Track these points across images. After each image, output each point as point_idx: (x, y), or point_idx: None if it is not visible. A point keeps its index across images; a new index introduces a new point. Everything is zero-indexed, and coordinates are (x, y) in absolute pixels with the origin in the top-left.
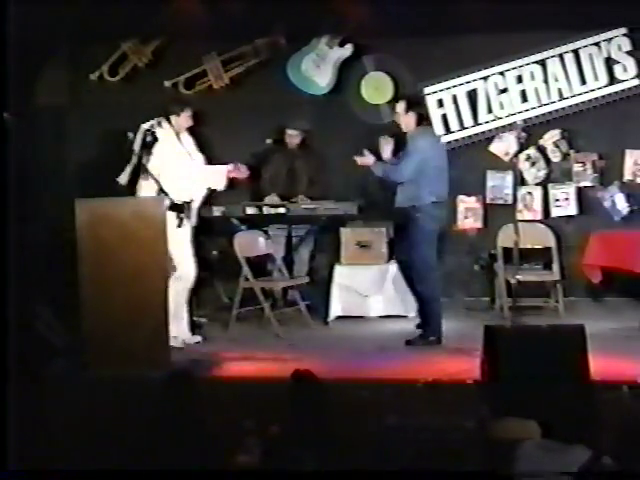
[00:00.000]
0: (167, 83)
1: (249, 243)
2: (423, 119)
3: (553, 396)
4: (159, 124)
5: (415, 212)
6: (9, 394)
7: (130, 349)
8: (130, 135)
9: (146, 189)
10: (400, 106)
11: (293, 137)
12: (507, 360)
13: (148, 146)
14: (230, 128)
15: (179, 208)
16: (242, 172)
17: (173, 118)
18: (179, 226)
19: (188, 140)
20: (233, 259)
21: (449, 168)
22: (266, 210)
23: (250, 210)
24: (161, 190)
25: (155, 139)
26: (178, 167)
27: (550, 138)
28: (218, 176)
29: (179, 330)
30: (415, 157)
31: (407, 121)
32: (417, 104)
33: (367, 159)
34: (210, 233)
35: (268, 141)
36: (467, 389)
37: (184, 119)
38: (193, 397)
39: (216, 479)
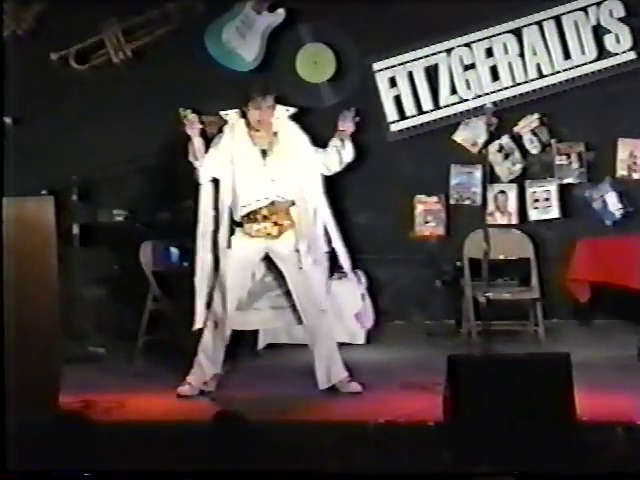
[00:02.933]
0: (54, 56)
1: (158, 254)
2: None
3: (532, 440)
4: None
5: None
6: None
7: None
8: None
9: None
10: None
11: (209, 123)
12: (475, 396)
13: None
14: (133, 112)
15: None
16: (351, 120)
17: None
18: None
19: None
20: (138, 274)
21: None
22: (178, 214)
23: (159, 214)
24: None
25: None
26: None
27: (527, 125)
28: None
29: None
30: None
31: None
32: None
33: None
34: (110, 242)
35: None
36: (427, 431)
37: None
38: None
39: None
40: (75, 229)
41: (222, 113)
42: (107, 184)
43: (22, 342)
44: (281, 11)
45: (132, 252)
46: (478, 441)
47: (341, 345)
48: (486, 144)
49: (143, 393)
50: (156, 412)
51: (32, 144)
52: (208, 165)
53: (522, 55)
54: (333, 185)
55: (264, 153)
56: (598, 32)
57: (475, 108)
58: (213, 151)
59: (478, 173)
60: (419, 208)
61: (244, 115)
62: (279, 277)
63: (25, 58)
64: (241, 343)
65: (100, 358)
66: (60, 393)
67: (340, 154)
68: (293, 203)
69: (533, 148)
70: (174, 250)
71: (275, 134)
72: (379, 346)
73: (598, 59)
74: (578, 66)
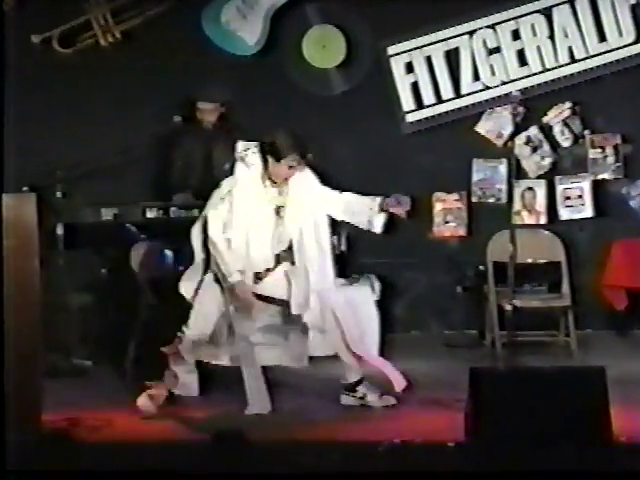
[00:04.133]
0: (35, 39)
1: (151, 258)
2: None
3: (562, 463)
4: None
5: None
6: None
7: None
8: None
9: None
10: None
11: (207, 112)
12: (500, 414)
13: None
14: (123, 101)
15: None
16: (404, 206)
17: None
18: None
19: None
20: (129, 279)
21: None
22: (174, 213)
23: (152, 213)
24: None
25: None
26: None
27: (557, 114)
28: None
29: None
30: None
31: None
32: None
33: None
34: (98, 244)
35: (176, 118)
36: (446, 452)
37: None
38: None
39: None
40: (59, 229)
41: (240, 147)
42: (94, 180)
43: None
44: None
45: (122, 255)
46: (502, 463)
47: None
48: (512, 136)
49: (134, 411)
50: (148, 432)
51: (12, 136)
52: (218, 221)
53: (552, 37)
54: (343, 181)
55: (277, 212)
56: (637, 11)
57: (500, 96)
58: (222, 205)
59: (503, 168)
60: (438, 207)
61: (263, 155)
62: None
63: (3, 41)
64: None
65: (86, 372)
66: (42, 410)
67: (370, 224)
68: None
69: (564, 140)
70: (169, 253)
71: (286, 182)
72: (394, 358)
73: (637, 41)
74: (614, 49)
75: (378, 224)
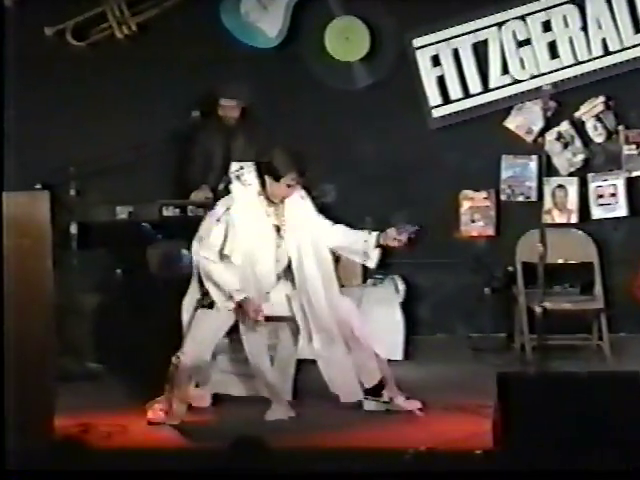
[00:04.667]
0: (48, 31)
1: (168, 258)
2: None
3: (596, 473)
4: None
5: None
6: None
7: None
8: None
9: None
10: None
11: (229, 109)
12: (530, 421)
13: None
14: (139, 95)
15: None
16: (406, 234)
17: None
18: None
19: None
20: (145, 280)
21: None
22: (192, 211)
23: (169, 211)
24: None
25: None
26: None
27: (590, 109)
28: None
29: None
30: None
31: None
32: None
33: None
34: (112, 243)
35: (194, 113)
36: (474, 460)
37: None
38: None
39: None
40: (73, 228)
41: (234, 167)
42: (109, 177)
43: (11, 358)
44: None
45: (137, 255)
46: (532, 472)
47: None
48: (543, 132)
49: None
50: (164, 438)
51: (24, 131)
52: (214, 243)
53: (585, 29)
54: (366, 178)
55: (277, 230)
56: None
57: (530, 90)
58: (217, 227)
59: (533, 165)
60: (465, 205)
61: (259, 174)
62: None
63: (15, 34)
64: None
65: (100, 376)
66: (55, 416)
67: (365, 256)
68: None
69: (597, 136)
70: (185, 253)
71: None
72: (419, 362)
73: None
74: None
75: (373, 258)
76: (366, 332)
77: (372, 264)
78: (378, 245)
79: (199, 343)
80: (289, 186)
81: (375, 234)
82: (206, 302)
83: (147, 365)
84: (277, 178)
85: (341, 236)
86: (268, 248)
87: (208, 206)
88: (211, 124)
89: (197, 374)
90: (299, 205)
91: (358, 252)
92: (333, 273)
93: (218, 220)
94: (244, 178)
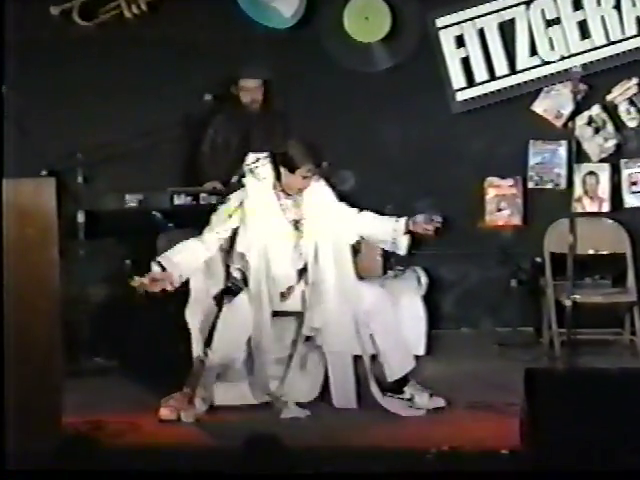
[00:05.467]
0: (54, 10)
1: None
2: None
3: (629, 474)
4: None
5: None
6: None
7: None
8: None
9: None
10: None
11: (251, 91)
12: (559, 419)
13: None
14: (149, 78)
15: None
16: (434, 224)
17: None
18: None
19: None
20: None
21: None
22: (205, 199)
23: (181, 199)
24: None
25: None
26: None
27: (623, 92)
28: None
29: None
30: None
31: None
32: None
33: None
34: (121, 233)
35: (207, 97)
36: (500, 461)
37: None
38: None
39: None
40: (80, 217)
41: (250, 159)
42: (118, 164)
43: (17, 352)
44: None
45: (148, 245)
46: (561, 473)
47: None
48: (572, 116)
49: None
50: (177, 435)
51: (29, 116)
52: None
53: (618, 7)
54: (386, 165)
55: (295, 226)
56: None
57: (559, 72)
58: (230, 222)
59: (562, 151)
60: (491, 193)
61: (275, 166)
62: None
63: (19, 13)
64: None
65: (110, 371)
66: (63, 413)
67: (394, 245)
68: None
69: (630, 120)
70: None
71: (301, 194)
72: (441, 358)
73: None
74: None
75: (403, 246)
76: (395, 321)
77: (402, 251)
78: (407, 232)
79: (228, 341)
80: (305, 177)
81: (403, 221)
82: (234, 287)
83: (159, 360)
84: (292, 170)
85: (368, 224)
86: (285, 245)
87: (222, 194)
88: (227, 110)
89: (225, 372)
90: (319, 196)
91: (386, 241)
92: (352, 266)
93: (230, 216)
94: (258, 171)
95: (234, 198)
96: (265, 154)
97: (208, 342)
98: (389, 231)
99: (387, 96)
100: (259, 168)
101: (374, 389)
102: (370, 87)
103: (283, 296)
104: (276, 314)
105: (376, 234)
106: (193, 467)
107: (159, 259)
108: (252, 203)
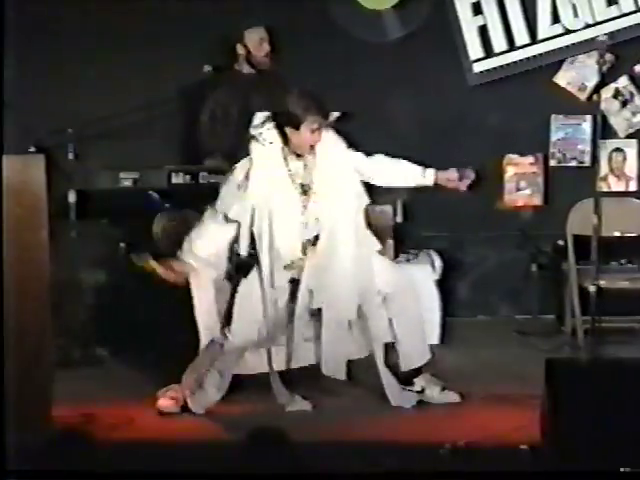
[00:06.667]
0: None
1: (176, 230)
2: None
3: None
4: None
5: None
6: None
7: None
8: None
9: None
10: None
11: (254, 45)
12: (582, 412)
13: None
14: (146, 47)
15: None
16: (466, 180)
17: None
18: None
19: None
20: (152, 254)
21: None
22: (204, 178)
23: (179, 178)
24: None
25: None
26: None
27: None
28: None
29: None
30: None
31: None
32: None
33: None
34: (115, 214)
35: (206, 68)
36: (519, 456)
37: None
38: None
39: None
40: (71, 197)
41: (257, 121)
42: (112, 140)
43: (4, 340)
44: None
45: (143, 227)
46: (584, 469)
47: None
48: (598, 88)
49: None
50: (173, 429)
51: (16, 88)
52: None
53: None
54: (400, 140)
55: (304, 191)
56: None
57: (584, 42)
58: (236, 192)
59: (587, 126)
60: (510, 171)
61: (282, 133)
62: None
63: None
64: None
65: (103, 361)
66: (53, 405)
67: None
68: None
69: None
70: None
71: (313, 151)
72: (457, 347)
73: None
74: None
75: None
76: (416, 307)
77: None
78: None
79: (247, 322)
80: (313, 131)
81: (432, 172)
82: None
83: (156, 348)
84: (297, 126)
85: (392, 174)
86: (292, 213)
87: (222, 172)
88: (226, 80)
89: (244, 353)
90: (330, 148)
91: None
92: (366, 233)
93: (239, 186)
94: (264, 136)
95: (240, 167)
96: (267, 115)
97: (226, 324)
98: (415, 179)
99: (399, 68)
100: (263, 134)
101: (385, 376)
102: (381, 58)
103: (287, 268)
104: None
105: (397, 181)
106: (194, 464)
107: (189, 258)
108: (258, 170)
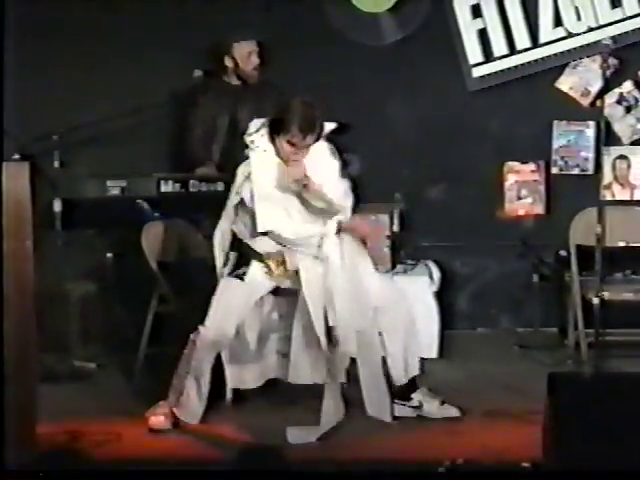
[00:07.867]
0: None
1: (166, 240)
2: None
3: None
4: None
5: None
6: None
7: None
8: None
9: None
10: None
11: (244, 57)
12: (585, 428)
13: None
14: (136, 49)
15: None
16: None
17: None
18: None
19: None
20: (140, 265)
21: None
22: (194, 186)
23: (168, 186)
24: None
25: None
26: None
27: None
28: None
29: None
30: None
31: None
32: None
33: None
34: (102, 223)
35: (197, 73)
36: (520, 474)
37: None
38: None
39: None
40: (57, 205)
41: (251, 130)
42: (99, 147)
43: None
44: None
45: (132, 236)
46: None
47: None
48: (601, 93)
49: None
50: (163, 446)
51: None
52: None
53: None
54: (395, 148)
55: (299, 196)
56: None
57: (587, 45)
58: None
59: (590, 132)
60: (510, 179)
61: (272, 140)
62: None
63: None
64: None
65: (89, 375)
66: (37, 422)
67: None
68: None
69: None
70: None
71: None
72: (457, 361)
73: None
74: None
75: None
76: (405, 319)
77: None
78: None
79: (222, 315)
80: (292, 144)
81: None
82: (240, 272)
83: (144, 363)
84: (279, 134)
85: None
86: (285, 218)
87: (212, 181)
88: (217, 85)
89: (217, 351)
90: (321, 163)
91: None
92: (362, 257)
93: (237, 193)
94: (256, 144)
95: (240, 173)
96: (262, 122)
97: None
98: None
99: (396, 72)
100: (255, 141)
101: (380, 393)
102: (377, 62)
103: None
104: (277, 292)
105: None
106: None
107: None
108: (257, 174)
